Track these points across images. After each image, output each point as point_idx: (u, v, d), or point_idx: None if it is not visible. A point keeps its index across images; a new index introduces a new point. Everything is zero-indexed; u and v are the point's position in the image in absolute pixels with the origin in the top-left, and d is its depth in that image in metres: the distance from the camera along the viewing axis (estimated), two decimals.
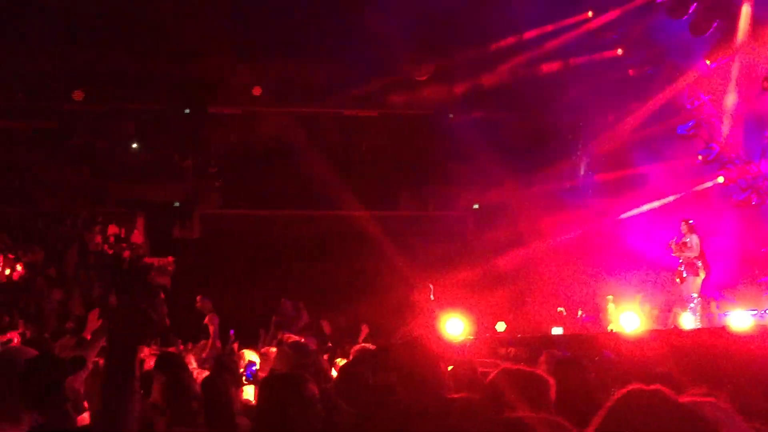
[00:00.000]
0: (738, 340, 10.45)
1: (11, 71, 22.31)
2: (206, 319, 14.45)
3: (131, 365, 2.99)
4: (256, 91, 22.93)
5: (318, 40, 20.84)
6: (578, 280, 18.22)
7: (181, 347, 11.09)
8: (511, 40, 20.99)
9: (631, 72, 20.25)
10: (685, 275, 14.98)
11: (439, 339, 11.04)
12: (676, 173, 19.08)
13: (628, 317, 13.69)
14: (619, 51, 20.42)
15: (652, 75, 19.77)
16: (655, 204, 19.17)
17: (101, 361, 4.87)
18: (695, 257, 14.95)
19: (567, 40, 20.40)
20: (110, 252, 21.18)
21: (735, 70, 17.61)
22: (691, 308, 14.50)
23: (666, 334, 12.59)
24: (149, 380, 5.00)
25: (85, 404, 5.07)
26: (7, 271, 20.05)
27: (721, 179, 18.20)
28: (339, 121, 24.76)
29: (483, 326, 14.73)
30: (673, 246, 15.27)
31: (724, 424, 2.59)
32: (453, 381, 4.85)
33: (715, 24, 17.44)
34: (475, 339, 12.53)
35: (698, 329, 13.40)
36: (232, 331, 8.31)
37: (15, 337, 13.06)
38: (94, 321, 5.92)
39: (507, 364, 4.16)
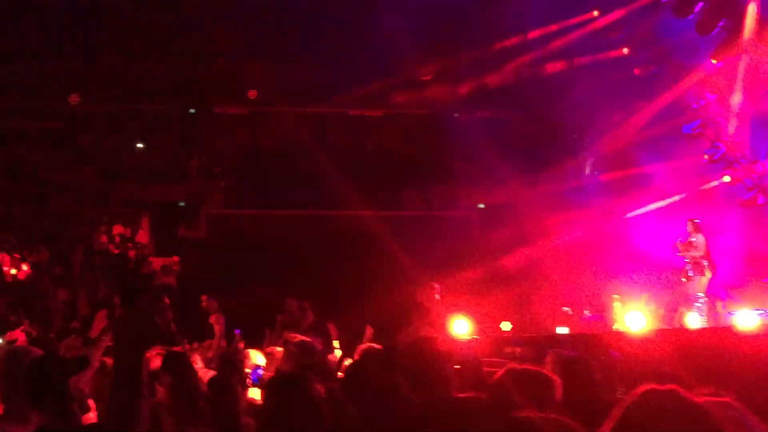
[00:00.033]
0: (744, 339, 10.42)
1: (17, 72, 22.37)
2: (212, 319, 14.50)
3: (138, 370, 3.02)
4: (261, 91, 22.96)
5: (323, 41, 20.86)
6: (583, 279, 18.19)
7: (187, 347, 11.08)
8: (516, 39, 21.00)
9: (636, 71, 20.22)
10: (691, 274, 14.94)
11: (445, 338, 11.03)
12: (681, 172, 19.04)
13: (634, 317, 13.64)
14: (625, 50, 20.40)
15: (658, 74, 19.74)
16: (661, 203, 19.13)
17: (108, 361, 4.88)
18: (701, 256, 14.91)
19: (572, 39, 20.40)
20: (116, 252, 21.21)
21: (741, 70, 17.56)
22: (697, 308, 14.46)
23: (672, 334, 12.56)
24: (155, 380, 5.00)
25: (91, 403, 5.08)
26: (13, 271, 20.09)
27: (727, 178, 18.16)
28: (344, 120, 24.80)
29: (488, 325, 14.70)
30: (679, 245, 15.24)
31: (739, 425, 2.58)
32: (459, 380, 4.84)
33: (721, 23, 17.40)
34: (481, 338, 12.51)
35: (704, 329, 13.36)
36: (237, 331, 8.30)
37: (20, 336, 13.10)
38: (100, 321, 5.93)
39: (513, 364, 4.15)
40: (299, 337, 7.26)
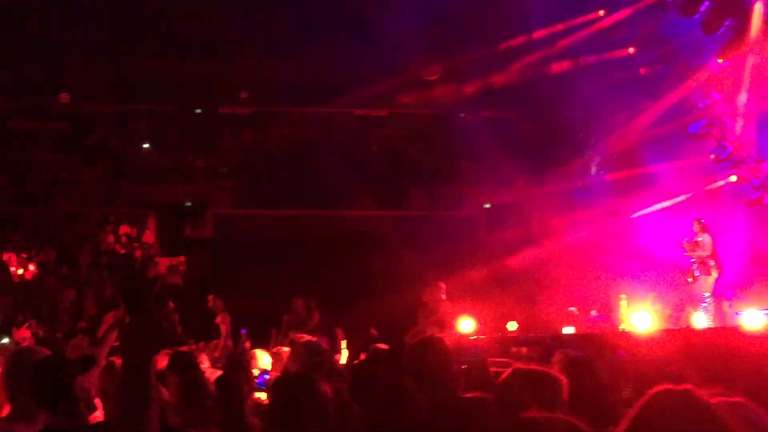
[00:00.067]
0: (751, 339, 10.42)
1: (23, 72, 22.43)
2: (218, 319, 14.52)
3: (147, 374, 3.04)
4: (267, 91, 22.99)
5: (329, 40, 20.87)
6: (589, 279, 18.17)
7: (193, 346, 11.13)
8: (522, 39, 20.97)
9: (642, 71, 20.18)
10: (697, 274, 14.93)
11: (451, 338, 11.03)
12: (687, 172, 19.00)
13: (641, 317, 13.65)
14: (631, 50, 20.36)
15: (664, 74, 19.70)
16: (667, 203, 19.10)
17: (116, 360, 4.89)
18: (707, 256, 14.90)
19: (578, 38, 20.37)
20: (122, 252, 21.26)
21: (747, 69, 17.53)
22: (703, 307, 14.45)
23: (678, 334, 12.57)
24: (162, 379, 5.01)
25: (97, 402, 5.09)
26: (20, 271, 20.16)
27: (733, 178, 18.13)
28: (350, 120, 24.79)
29: (494, 325, 14.71)
30: (685, 245, 15.23)
31: (753, 425, 2.58)
32: (465, 380, 4.85)
33: (727, 22, 17.37)
34: (487, 338, 12.52)
35: (711, 328, 13.35)
36: (244, 331, 8.35)
37: (26, 334, 13.14)
38: (107, 322, 5.95)
39: (519, 364, 4.15)
40: (306, 337, 7.28)
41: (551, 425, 2.60)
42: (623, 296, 16.11)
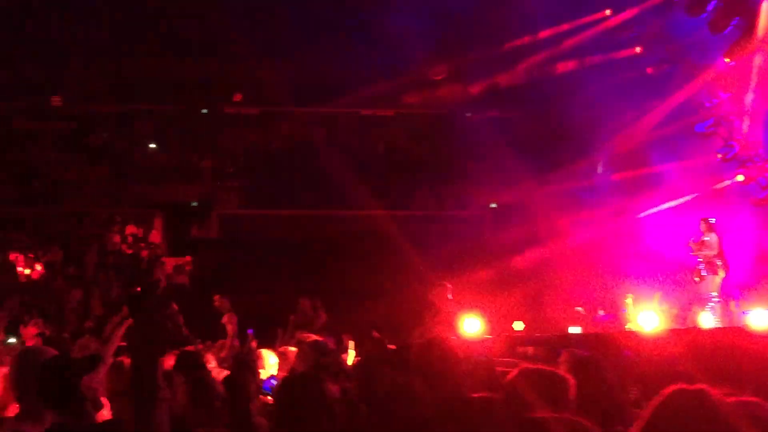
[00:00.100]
0: (758, 339, 10.40)
1: (30, 73, 22.47)
2: (224, 319, 14.50)
3: (154, 375, 3.05)
4: (273, 91, 22.99)
5: (335, 41, 20.88)
6: (596, 279, 18.15)
7: (200, 346, 11.12)
8: (528, 38, 20.96)
9: (649, 70, 20.17)
10: (704, 274, 14.90)
11: (457, 338, 11.03)
12: (694, 172, 18.98)
13: (647, 316, 13.62)
14: (637, 49, 20.34)
15: (670, 73, 19.68)
16: (674, 203, 19.08)
17: (126, 360, 4.90)
18: (714, 256, 14.87)
19: (585, 38, 20.35)
20: (129, 252, 21.29)
21: (754, 68, 17.49)
22: (710, 307, 14.42)
23: (685, 334, 12.53)
24: (169, 379, 5.01)
25: (104, 400, 5.10)
26: (27, 271, 20.20)
27: (740, 177, 18.09)
28: (356, 120, 24.80)
29: (500, 325, 14.69)
30: (692, 245, 15.20)
31: None
32: (472, 380, 4.84)
33: (734, 22, 17.34)
34: (493, 338, 12.50)
35: (718, 328, 13.33)
36: (250, 331, 8.32)
37: (33, 331, 13.16)
38: (114, 321, 5.95)
39: (526, 364, 4.15)
40: (313, 337, 7.28)
41: (559, 425, 2.60)
42: (630, 296, 16.09)
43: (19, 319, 16.65)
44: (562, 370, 4.12)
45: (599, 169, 22.11)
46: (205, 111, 24.37)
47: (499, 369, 5.49)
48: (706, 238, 14.98)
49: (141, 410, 3.02)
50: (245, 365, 5.61)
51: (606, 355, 7.16)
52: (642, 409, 5.13)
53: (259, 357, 7.78)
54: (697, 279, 15.12)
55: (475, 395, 4.15)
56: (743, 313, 13.99)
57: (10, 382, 4.32)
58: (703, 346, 9.71)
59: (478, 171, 22.84)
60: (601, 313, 16.98)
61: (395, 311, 15.40)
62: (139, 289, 4.82)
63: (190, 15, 21.66)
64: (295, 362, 6.65)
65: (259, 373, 6.53)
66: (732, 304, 14.97)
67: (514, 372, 3.88)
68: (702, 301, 14.89)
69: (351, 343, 10.26)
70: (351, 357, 9.83)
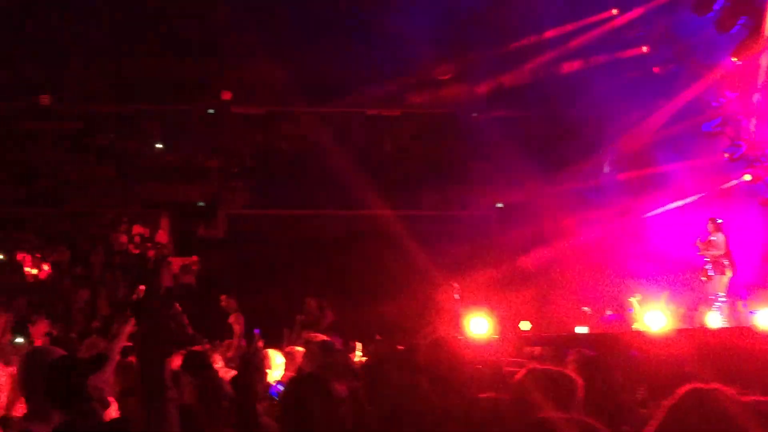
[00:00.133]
0: (765, 338, 10.38)
1: (37, 72, 22.52)
2: (231, 319, 14.54)
3: (161, 376, 3.06)
4: (279, 91, 23.01)
5: (341, 41, 20.88)
6: (602, 279, 18.14)
7: (207, 346, 11.14)
8: (534, 38, 20.94)
9: (655, 69, 20.14)
10: (711, 274, 14.87)
11: (464, 338, 11.03)
12: (701, 171, 18.95)
13: (654, 316, 13.61)
14: (644, 48, 20.31)
15: (677, 73, 19.65)
16: (680, 203, 19.05)
17: (133, 359, 4.91)
18: (721, 255, 14.83)
19: (592, 37, 20.34)
20: (136, 252, 21.31)
21: (761, 67, 17.45)
22: (717, 307, 14.40)
23: (692, 334, 12.52)
24: (176, 379, 5.01)
25: (111, 399, 5.11)
26: (34, 271, 20.24)
27: (747, 177, 18.05)
28: (362, 120, 24.79)
29: (507, 325, 14.68)
30: (699, 244, 15.17)
31: None
32: (479, 381, 4.84)
33: (741, 21, 17.30)
34: (500, 338, 12.50)
35: (725, 328, 13.31)
36: (257, 331, 8.33)
37: (44, 330, 13.18)
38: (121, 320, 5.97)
39: (534, 364, 4.14)
40: (320, 337, 7.29)
41: (568, 426, 2.60)
42: (637, 296, 16.07)
43: (25, 319, 16.69)
44: (570, 371, 4.11)
45: (606, 169, 22.08)
46: (211, 111, 24.38)
47: (507, 369, 5.49)
48: (713, 238, 14.94)
49: (149, 411, 3.03)
50: (252, 365, 5.62)
51: (613, 355, 7.16)
52: (649, 409, 5.13)
53: (265, 357, 7.79)
54: (704, 279, 15.09)
55: (483, 395, 4.15)
56: (750, 312, 13.97)
57: (18, 382, 4.34)
58: (710, 346, 9.70)
59: (484, 171, 22.82)
60: (608, 313, 16.96)
61: (402, 311, 15.41)
62: (142, 288, 4.84)
63: (196, 15, 21.70)
64: (303, 362, 6.66)
65: (266, 374, 6.54)
66: (739, 303, 14.95)
67: (522, 372, 3.87)
68: (709, 300, 14.86)
69: (358, 345, 10.28)
70: (357, 358, 9.84)
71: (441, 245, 19.75)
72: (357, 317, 15.61)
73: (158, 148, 24.83)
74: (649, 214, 19.73)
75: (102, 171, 23.66)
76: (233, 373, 5.95)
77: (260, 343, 7.50)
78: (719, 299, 14.49)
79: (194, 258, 20.93)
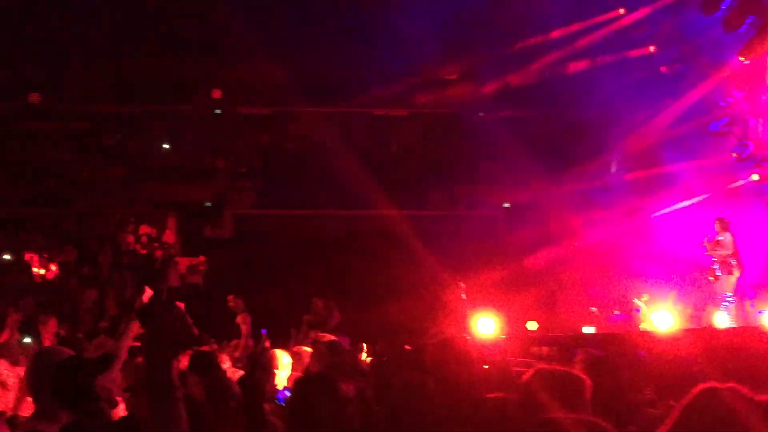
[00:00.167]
0: None
1: (45, 72, 22.58)
2: (238, 319, 14.55)
3: (168, 376, 3.07)
4: (286, 91, 23.03)
5: (347, 41, 20.89)
6: (609, 279, 18.11)
7: (215, 346, 11.16)
8: (541, 37, 20.93)
9: (662, 69, 20.09)
10: (718, 274, 14.84)
11: (471, 338, 11.01)
12: (708, 171, 18.91)
13: (662, 316, 13.58)
14: (651, 48, 20.27)
15: (684, 72, 19.60)
16: (688, 202, 19.01)
17: (140, 359, 4.91)
18: (729, 255, 14.80)
19: (599, 37, 20.31)
20: (143, 252, 21.35)
21: None
22: (725, 307, 14.37)
23: (700, 333, 12.49)
24: (184, 379, 5.02)
25: (119, 399, 5.12)
26: (42, 271, 20.28)
27: (755, 177, 17.98)
28: (369, 120, 24.80)
29: (514, 325, 14.67)
30: (706, 244, 15.14)
31: None
32: (486, 381, 4.83)
33: (749, 20, 17.24)
34: (507, 338, 12.49)
35: (732, 328, 13.28)
36: (264, 331, 8.34)
37: (53, 330, 13.19)
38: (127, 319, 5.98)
39: (542, 364, 4.14)
40: (329, 337, 7.29)
41: (576, 426, 2.59)
42: (644, 296, 16.05)
43: (32, 319, 16.71)
44: (577, 371, 4.11)
45: (613, 169, 22.05)
46: (218, 111, 24.42)
47: (514, 369, 5.49)
48: (720, 238, 14.91)
49: (158, 411, 3.04)
50: (259, 365, 5.62)
51: (621, 355, 7.15)
52: (656, 409, 5.12)
53: (273, 357, 7.80)
54: (711, 279, 15.06)
55: (490, 396, 4.14)
56: (758, 312, 13.95)
57: (26, 382, 4.35)
58: (717, 346, 9.68)
59: (491, 171, 22.82)
60: (615, 312, 16.94)
61: (409, 311, 15.40)
62: (147, 289, 4.85)
63: (203, 14, 21.73)
64: (310, 362, 6.66)
65: (274, 374, 6.54)
66: (747, 303, 14.92)
67: (530, 372, 3.87)
68: (717, 300, 14.84)
69: (364, 345, 10.27)
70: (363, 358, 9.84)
71: (448, 245, 19.74)
72: (364, 317, 15.61)
73: (165, 149, 24.88)
74: (657, 214, 19.69)
75: (109, 171, 23.72)
76: (241, 373, 5.95)
77: (267, 343, 7.52)
78: (727, 299, 14.46)
79: (201, 258, 20.96)
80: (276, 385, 6.52)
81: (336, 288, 16.85)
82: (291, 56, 21.88)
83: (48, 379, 3.97)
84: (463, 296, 12.91)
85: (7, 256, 21.00)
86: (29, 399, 4.39)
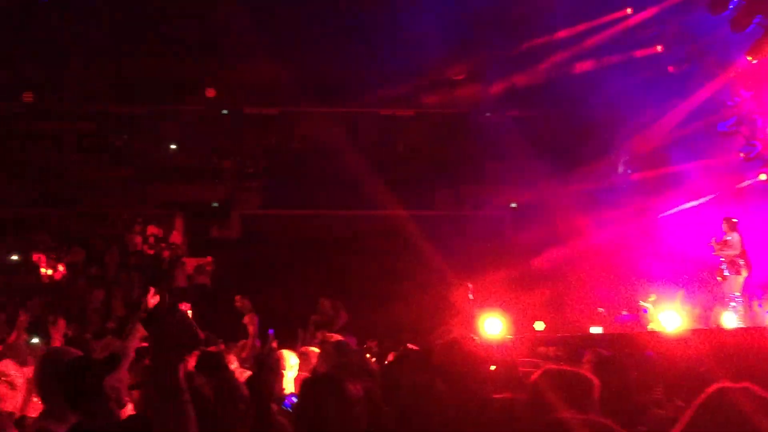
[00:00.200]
0: None
1: (52, 74, 22.62)
2: (246, 319, 14.54)
3: (174, 378, 3.08)
4: (293, 92, 23.04)
5: (354, 41, 20.90)
6: (617, 279, 18.08)
7: (222, 347, 11.17)
8: (548, 38, 20.91)
9: (670, 69, 20.05)
10: (726, 274, 14.80)
11: (479, 339, 11.00)
12: (716, 171, 18.86)
13: (669, 316, 13.55)
14: (659, 48, 20.23)
15: (692, 72, 19.56)
16: (695, 202, 18.97)
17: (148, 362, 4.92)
18: (736, 255, 14.75)
19: (606, 37, 20.29)
20: (150, 252, 21.39)
21: None
22: (732, 307, 14.33)
23: (708, 334, 12.45)
24: (191, 380, 5.02)
25: (126, 399, 5.13)
26: (50, 272, 20.33)
27: (763, 176, 17.93)
28: (376, 120, 24.81)
29: (521, 325, 14.65)
30: (714, 244, 15.10)
31: None
32: (494, 381, 4.83)
33: (757, 20, 17.19)
34: (514, 338, 12.48)
35: (740, 328, 13.23)
36: (271, 331, 8.33)
37: (61, 325, 13.20)
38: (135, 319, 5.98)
39: (549, 364, 4.13)
40: (336, 337, 7.29)
41: (584, 426, 2.59)
42: (652, 296, 16.02)
43: (40, 320, 16.75)
44: (585, 371, 4.10)
45: (620, 169, 22.03)
46: (225, 112, 24.46)
47: (522, 370, 5.49)
48: (728, 238, 14.87)
49: (165, 412, 3.05)
50: (267, 366, 5.62)
51: (628, 355, 7.13)
52: (664, 409, 5.10)
53: (280, 358, 7.80)
54: (719, 279, 15.02)
55: (498, 396, 4.14)
56: (766, 312, 13.91)
57: (34, 383, 4.36)
58: (725, 346, 9.65)
59: (498, 171, 22.82)
60: (623, 313, 16.91)
61: (416, 311, 15.40)
62: (152, 291, 4.86)
63: (213, 15, 21.75)
64: (318, 362, 6.66)
65: (282, 374, 6.54)
66: (755, 303, 14.87)
67: (537, 373, 3.86)
68: (724, 300, 14.80)
69: (372, 345, 10.27)
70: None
71: (455, 245, 19.74)
72: (371, 317, 15.61)
73: (172, 149, 24.92)
74: (664, 214, 19.66)
75: (116, 172, 23.77)
76: (248, 373, 5.95)
77: (274, 344, 7.52)
78: (734, 299, 14.42)
79: (208, 258, 20.98)
80: (283, 387, 6.52)
81: (343, 288, 16.84)
82: (298, 56, 21.90)
83: (56, 379, 3.97)
84: (471, 296, 12.89)
85: (15, 257, 21.06)
86: (37, 399, 4.40)
